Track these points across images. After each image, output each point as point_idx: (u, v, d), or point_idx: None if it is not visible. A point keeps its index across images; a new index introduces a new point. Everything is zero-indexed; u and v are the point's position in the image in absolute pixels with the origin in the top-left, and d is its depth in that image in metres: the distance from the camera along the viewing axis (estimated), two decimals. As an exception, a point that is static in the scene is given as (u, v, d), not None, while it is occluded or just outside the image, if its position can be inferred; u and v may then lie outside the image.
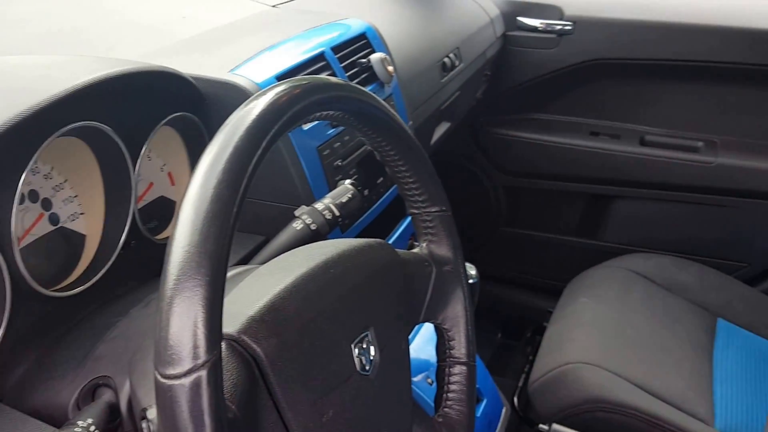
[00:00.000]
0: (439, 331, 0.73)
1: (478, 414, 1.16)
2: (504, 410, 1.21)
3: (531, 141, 1.73)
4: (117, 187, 0.72)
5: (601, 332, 1.30)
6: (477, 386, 1.19)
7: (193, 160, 0.83)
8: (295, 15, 1.10)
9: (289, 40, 0.93)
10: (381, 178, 0.99)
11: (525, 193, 1.82)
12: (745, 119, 1.60)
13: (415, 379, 1.02)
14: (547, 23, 1.63)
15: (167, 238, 0.63)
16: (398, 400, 0.63)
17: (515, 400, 1.34)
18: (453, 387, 0.73)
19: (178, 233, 0.41)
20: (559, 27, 1.62)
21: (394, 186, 1.03)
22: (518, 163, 1.77)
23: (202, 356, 0.39)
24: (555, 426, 1.14)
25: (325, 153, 0.87)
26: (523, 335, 1.87)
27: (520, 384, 1.34)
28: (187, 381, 0.39)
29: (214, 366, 0.40)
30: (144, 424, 0.48)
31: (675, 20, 1.57)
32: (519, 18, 1.65)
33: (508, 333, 1.94)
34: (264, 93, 0.47)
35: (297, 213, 0.75)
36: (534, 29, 1.65)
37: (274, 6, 1.12)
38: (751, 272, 1.67)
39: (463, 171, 1.83)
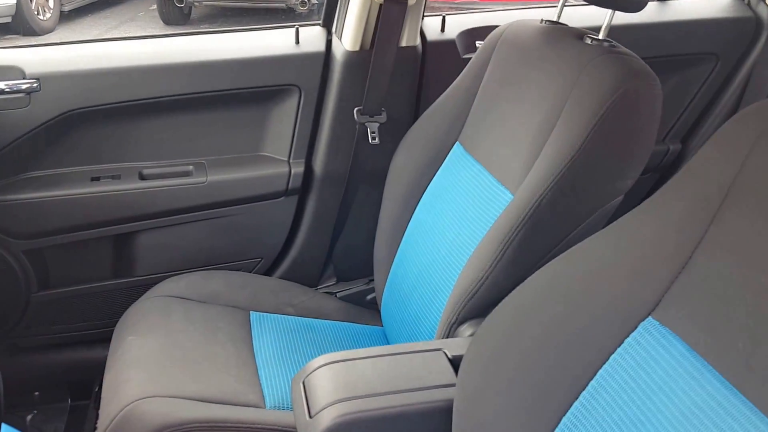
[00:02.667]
0: None
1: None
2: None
3: (35, 200, 1.68)
4: None
5: (152, 363, 1.36)
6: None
7: None
8: None
9: None
10: None
11: (51, 252, 1.77)
12: (224, 138, 1.81)
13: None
14: (11, 84, 1.61)
15: None
16: None
17: None
18: None
19: None
20: (26, 86, 1.61)
21: None
22: (31, 225, 1.71)
23: None
24: None
25: None
26: (93, 392, 1.85)
27: None
28: None
29: None
30: None
31: (141, 63, 1.69)
32: None
33: (78, 395, 1.89)
34: None
35: None
36: (1, 92, 1.61)
37: None
38: (266, 264, 1.91)
39: None
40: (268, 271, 1.92)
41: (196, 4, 7.54)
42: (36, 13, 6.72)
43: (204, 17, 7.92)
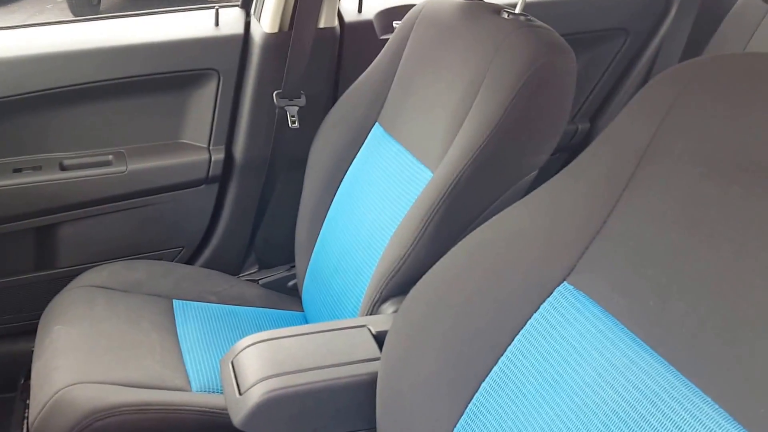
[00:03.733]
0: None
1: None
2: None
3: None
4: None
5: (80, 351, 1.35)
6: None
7: None
8: None
9: None
10: None
11: None
12: (143, 126, 1.77)
13: None
14: None
15: None
16: None
17: None
18: None
19: None
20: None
21: None
22: None
23: None
24: None
25: None
26: (18, 383, 1.80)
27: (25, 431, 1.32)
28: None
29: None
30: None
31: (57, 50, 1.64)
32: None
33: (3, 388, 1.83)
34: None
35: None
36: None
37: None
38: (187, 253, 1.89)
39: None
40: (190, 260, 1.90)
41: (107, -8, 7.33)
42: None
43: (113, 7, 7.68)
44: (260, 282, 1.88)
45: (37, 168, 1.69)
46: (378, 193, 1.42)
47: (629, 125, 0.87)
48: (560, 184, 0.93)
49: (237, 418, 1.03)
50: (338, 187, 1.55)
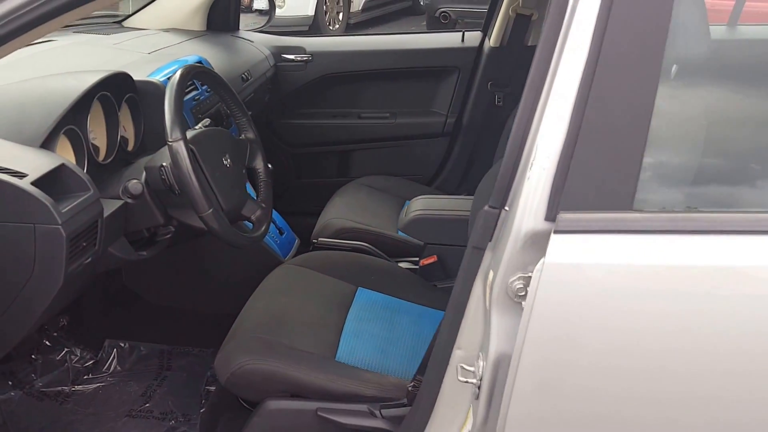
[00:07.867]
0: (254, 170, 1.80)
1: (282, 238, 2.28)
2: (297, 241, 2.34)
3: (301, 124, 2.91)
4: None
5: (343, 206, 2.39)
6: (280, 225, 2.31)
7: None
8: (164, 56, 2.16)
9: (165, 66, 1.99)
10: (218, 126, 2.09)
11: (304, 157, 2.97)
12: (411, 96, 2.90)
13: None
14: (298, 57, 2.84)
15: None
16: (240, 179, 1.68)
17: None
18: (262, 187, 1.78)
19: (166, 110, 1.46)
20: (305, 58, 2.83)
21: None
22: (298, 139, 2.92)
23: (180, 135, 1.43)
24: (321, 239, 2.26)
25: (193, 111, 1.94)
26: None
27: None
28: (178, 143, 1.43)
29: (185, 138, 1.44)
30: (161, 170, 1.50)
31: (368, 48, 2.87)
32: (283, 55, 2.84)
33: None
34: (176, 73, 1.53)
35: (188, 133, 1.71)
36: (292, 60, 2.85)
37: (149, 53, 2.19)
38: (425, 179, 2.93)
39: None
40: (428, 183, 2.93)
41: (459, 21, 8.87)
42: (327, 24, 8.40)
43: (455, 25, 9.14)
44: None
45: (346, 115, 2.91)
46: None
47: None
48: None
49: (400, 225, 2.06)
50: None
